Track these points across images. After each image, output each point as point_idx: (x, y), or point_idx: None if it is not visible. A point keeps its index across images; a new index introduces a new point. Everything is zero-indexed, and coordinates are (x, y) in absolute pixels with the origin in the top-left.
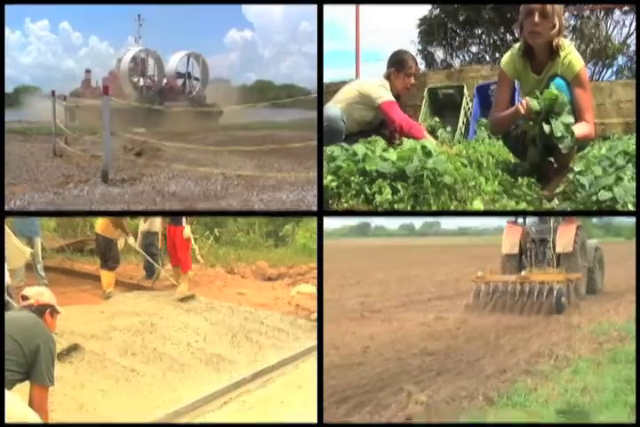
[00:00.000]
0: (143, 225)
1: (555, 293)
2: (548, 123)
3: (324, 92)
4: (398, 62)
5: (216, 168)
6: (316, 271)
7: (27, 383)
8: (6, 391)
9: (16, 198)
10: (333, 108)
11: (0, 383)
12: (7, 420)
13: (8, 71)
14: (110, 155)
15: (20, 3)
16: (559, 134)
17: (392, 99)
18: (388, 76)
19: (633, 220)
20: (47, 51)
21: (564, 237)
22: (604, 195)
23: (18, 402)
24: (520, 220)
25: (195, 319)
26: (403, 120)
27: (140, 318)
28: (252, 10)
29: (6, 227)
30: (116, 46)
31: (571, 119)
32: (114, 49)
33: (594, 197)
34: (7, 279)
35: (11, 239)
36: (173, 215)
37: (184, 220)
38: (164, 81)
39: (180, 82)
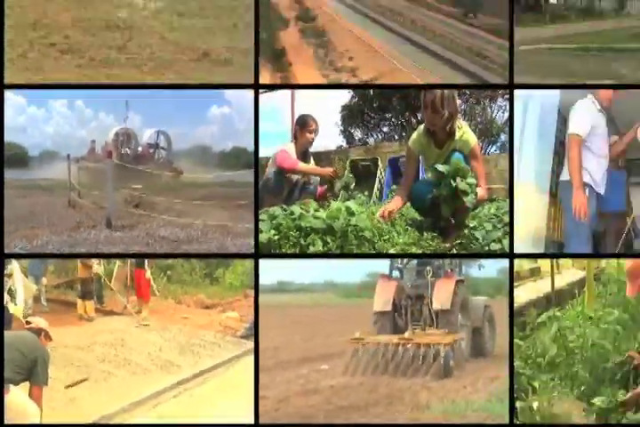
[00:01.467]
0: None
1: (442, 356)
2: (455, 181)
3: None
4: (302, 122)
5: (198, 218)
6: (239, 302)
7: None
8: (12, 386)
9: (37, 239)
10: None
11: (0, 386)
12: (10, 408)
13: (35, 139)
14: (113, 206)
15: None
16: (463, 188)
17: (283, 148)
18: (294, 134)
19: (494, 276)
20: (65, 123)
21: (442, 292)
22: (494, 246)
23: (21, 394)
24: (396, 274)
25: (153, 336)
26: (283, 162)
27: (114, 335)
28: (229, 90)
29: (19, 269)
30: (120, 120)
31: (473, 180)
32: (118, 123)
33: (486, 248)
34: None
35: (24, 278)
36: (134, 257)
37: (146, 265)
38: (140, 150)
39: (150, 151)
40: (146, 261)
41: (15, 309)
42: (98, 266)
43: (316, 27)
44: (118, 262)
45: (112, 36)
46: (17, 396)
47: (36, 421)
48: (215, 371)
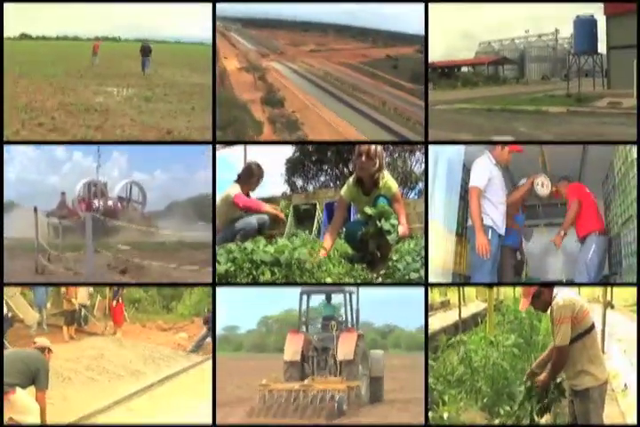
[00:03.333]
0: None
1: (336, 400)
2: (380, 222)
3: None
4: (250, 171)
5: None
6: (187, 326)
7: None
8: (19, 388)
9: None
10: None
11: (0, 388)
12: (15, 405)
13: None
14: (92, 271)
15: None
16: (387, 228)
17: (237, 191)
18: (242, 179)
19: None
20: (30, 165)
21: (345, 345)
22: (414, 275)
23: (25, 395)
24: (303, 328)
25: (126, 351)
26: (245, 203)
27: (96, 350)
28: None
29: (24, 300)
30: (99, 161)
31: (395, 221)
32: (97, 164)
33: (407, 277)
34: None
35: (29, 308)
36: (112, 285)
37: (120, 299)
38: (109, 203)
39: (121, 204)
40: (120, 294)
41: None
42: (80, 298)
43: (286, 114)
44: (99, 297)
45: (91, 117)
46: (21, 396)
47: (36, 416)
48: (171, 378)
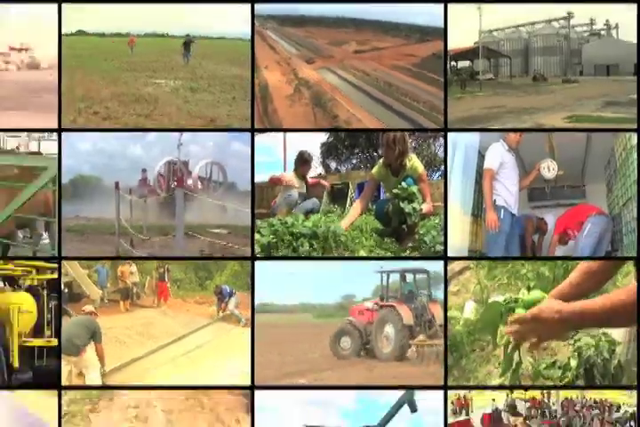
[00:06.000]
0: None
1: None
2: (403, 203)
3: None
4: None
5: None
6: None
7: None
8: (88, 348)
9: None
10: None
11: (58, 357)
12: (87, 360)
13: (64, 161)
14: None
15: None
16: (408, 210)
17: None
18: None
19: None
20: (109, 134)
21: (439, 312)
22: (439, 247)
23: (92, 352)
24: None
25: (170, 320)
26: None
27: (146, 319)
28: None
29: (90, 280)
30: (180, 139)
31: (418, 206)
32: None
33: (432, 249)
34: None
35: (94, 287)
36: (160, 259)
37: (166, 278)
38: (189, 182)
39: (200, 184)
40: (166, 275)
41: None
42: (131, 277)
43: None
44: (148, 277)
45: (141, 106)
46: (90, 354)
47: (97, 371)
48: (204, 337)
